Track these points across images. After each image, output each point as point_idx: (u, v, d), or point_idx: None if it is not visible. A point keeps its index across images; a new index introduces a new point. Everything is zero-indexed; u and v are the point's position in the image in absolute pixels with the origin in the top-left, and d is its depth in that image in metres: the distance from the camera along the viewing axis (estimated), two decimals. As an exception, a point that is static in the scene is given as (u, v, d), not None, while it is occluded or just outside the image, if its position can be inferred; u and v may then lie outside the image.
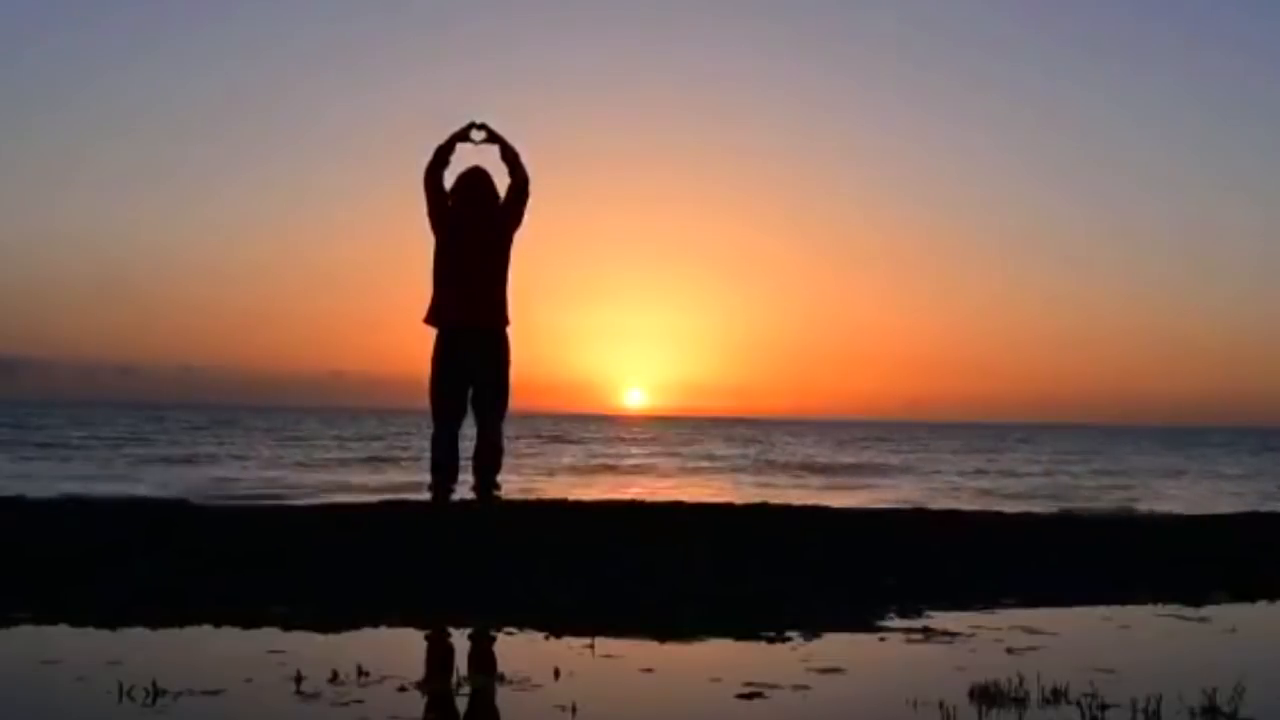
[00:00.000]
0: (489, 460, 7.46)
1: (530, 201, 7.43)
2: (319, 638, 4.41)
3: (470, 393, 7.45)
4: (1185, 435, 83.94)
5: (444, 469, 7.45)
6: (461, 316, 7.35)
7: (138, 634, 4.41)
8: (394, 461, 26.02)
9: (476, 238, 7.36)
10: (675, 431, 65.24)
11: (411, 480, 16.18)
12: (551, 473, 23.65)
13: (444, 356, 7.38)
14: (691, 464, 29.41)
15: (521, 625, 4.65)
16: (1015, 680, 3.67)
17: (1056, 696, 3.59)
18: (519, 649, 4.30)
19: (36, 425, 44.00)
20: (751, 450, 38.71)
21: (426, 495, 7.51)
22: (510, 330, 7.47)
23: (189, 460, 25.00)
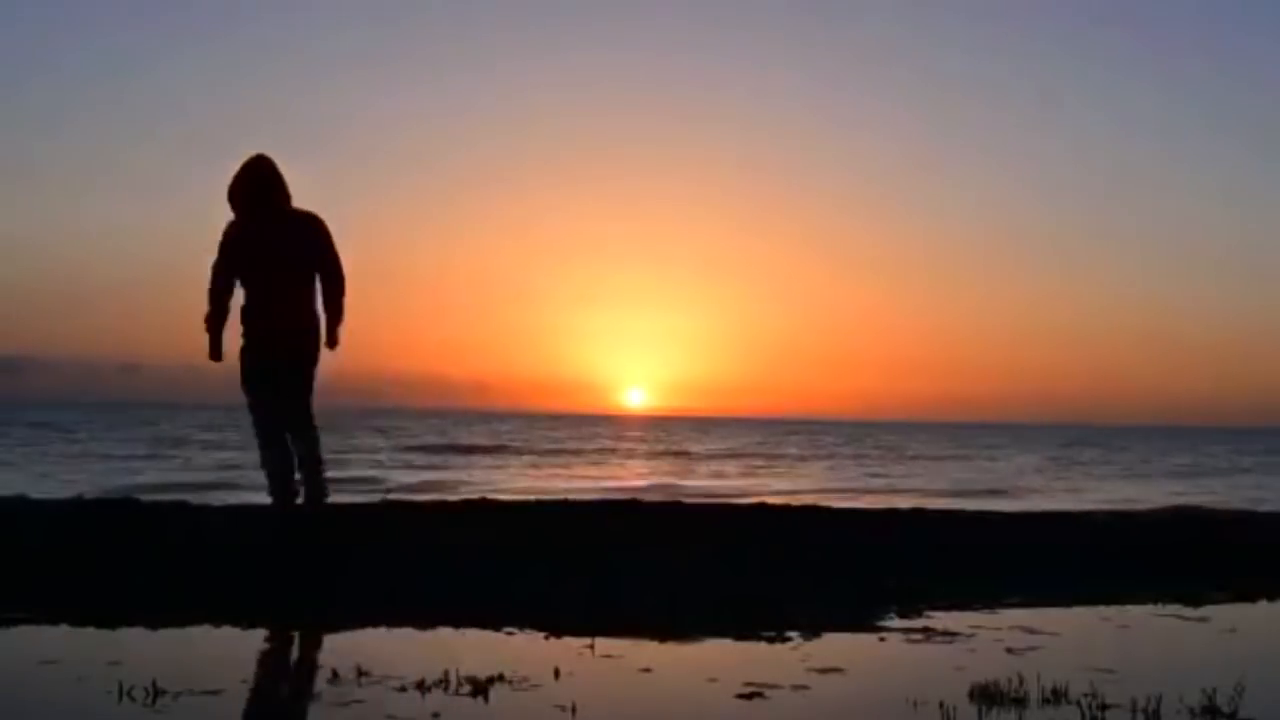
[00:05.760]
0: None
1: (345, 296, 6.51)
2: (319, 638, 4.41)
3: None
4: (1184, 435, 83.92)
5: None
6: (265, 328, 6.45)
7: (138, 634, 4.41)
8: (392, 459, 26.04)
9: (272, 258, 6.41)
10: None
11: (412, 482, 16.21)
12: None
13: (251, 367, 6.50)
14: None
15: (521, 625, 4.65)
16: (1015, 680, 3.67)
17: (1056, 696, 3.59)
18: (519, 649, 4.30)
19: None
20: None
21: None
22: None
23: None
